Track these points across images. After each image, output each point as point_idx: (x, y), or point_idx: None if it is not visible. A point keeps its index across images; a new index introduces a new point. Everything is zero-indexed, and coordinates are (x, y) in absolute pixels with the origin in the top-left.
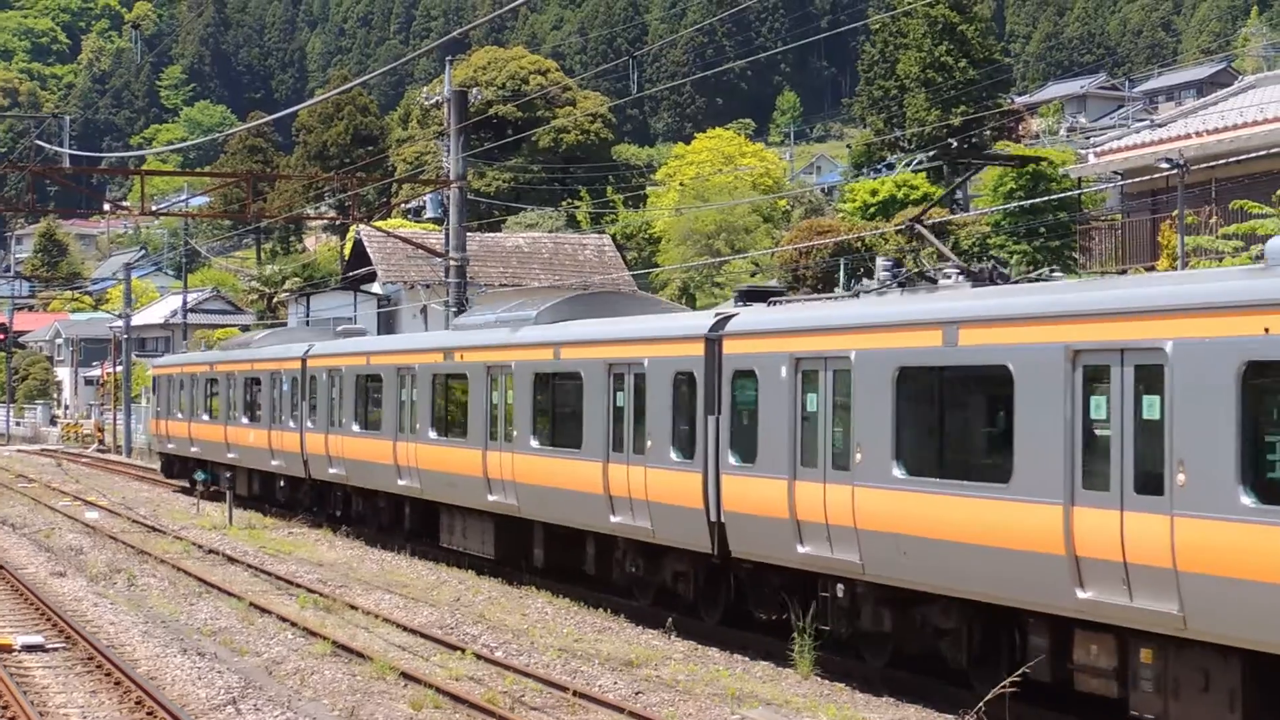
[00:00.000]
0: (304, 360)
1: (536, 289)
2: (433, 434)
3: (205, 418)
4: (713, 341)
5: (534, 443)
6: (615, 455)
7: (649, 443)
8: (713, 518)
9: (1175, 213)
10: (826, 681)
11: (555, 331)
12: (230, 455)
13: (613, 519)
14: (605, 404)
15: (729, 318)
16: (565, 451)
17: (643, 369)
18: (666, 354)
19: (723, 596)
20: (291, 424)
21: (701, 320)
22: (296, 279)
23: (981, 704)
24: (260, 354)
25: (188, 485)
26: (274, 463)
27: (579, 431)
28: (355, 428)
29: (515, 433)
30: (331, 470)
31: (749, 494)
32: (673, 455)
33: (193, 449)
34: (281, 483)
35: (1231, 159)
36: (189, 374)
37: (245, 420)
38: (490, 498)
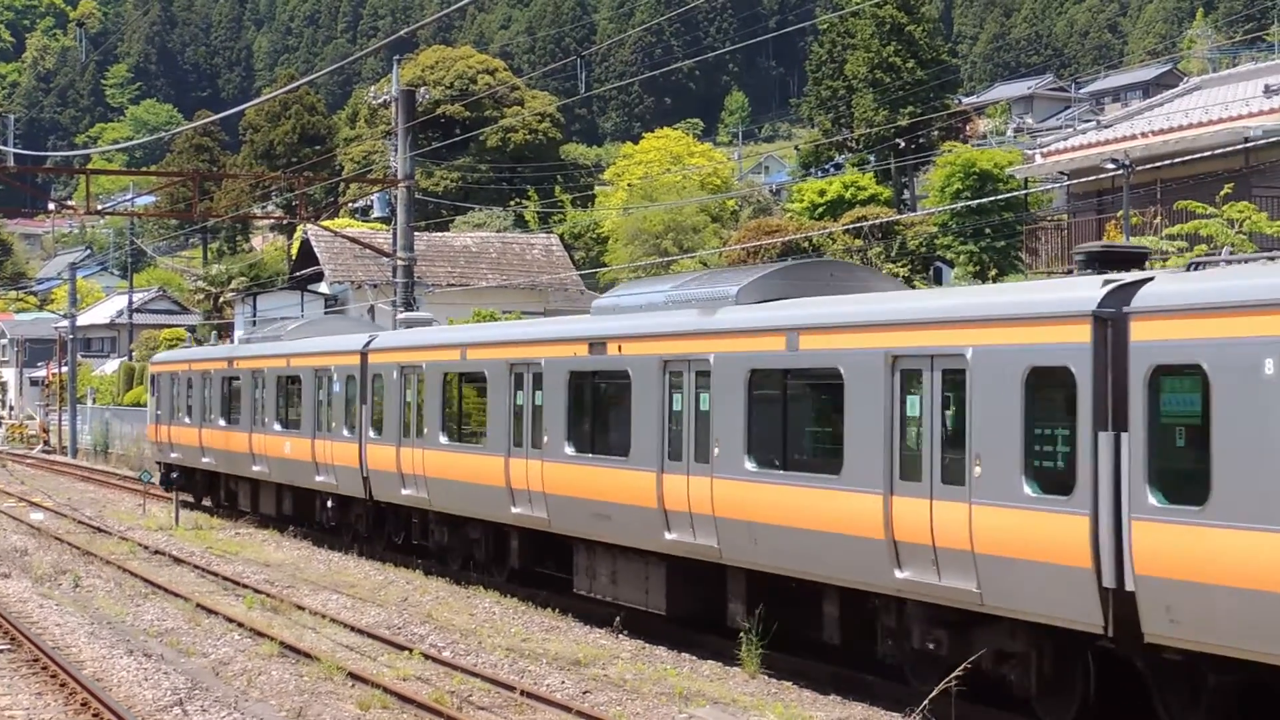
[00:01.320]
0: (364, 354)
1: (484, 289)
2: (569, 449)
3: (222, 423)
4: (1109, 322)
5: (749, 465)
6: (904, 485)
7: (977, 470)
8: (1110, 583)
9: (1120, 213)
10: (773, 680)
11: (786, 313)
12: (256, 469)
13: (899, 574)
14: (884, 412)
15: (1130, 285)
16: (815, 478)
17: (962, 362)
18: (1012, 341)
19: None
20: (346, 433)
21: (1078, 293)
22: (243, 279)
23: (926, 701)
24: (299, 347)
25: (191, 501)
26: (319, 479)
27: (838, 449)
28: (443, 439)
29: (717, 451)
30: (406, 491)
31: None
32: (1026, 489)
33: (205, 460)
34: (329, 503)
35: (1176, 160)
36: (201, 372)
37: (278, 427)
38: (669, 536)
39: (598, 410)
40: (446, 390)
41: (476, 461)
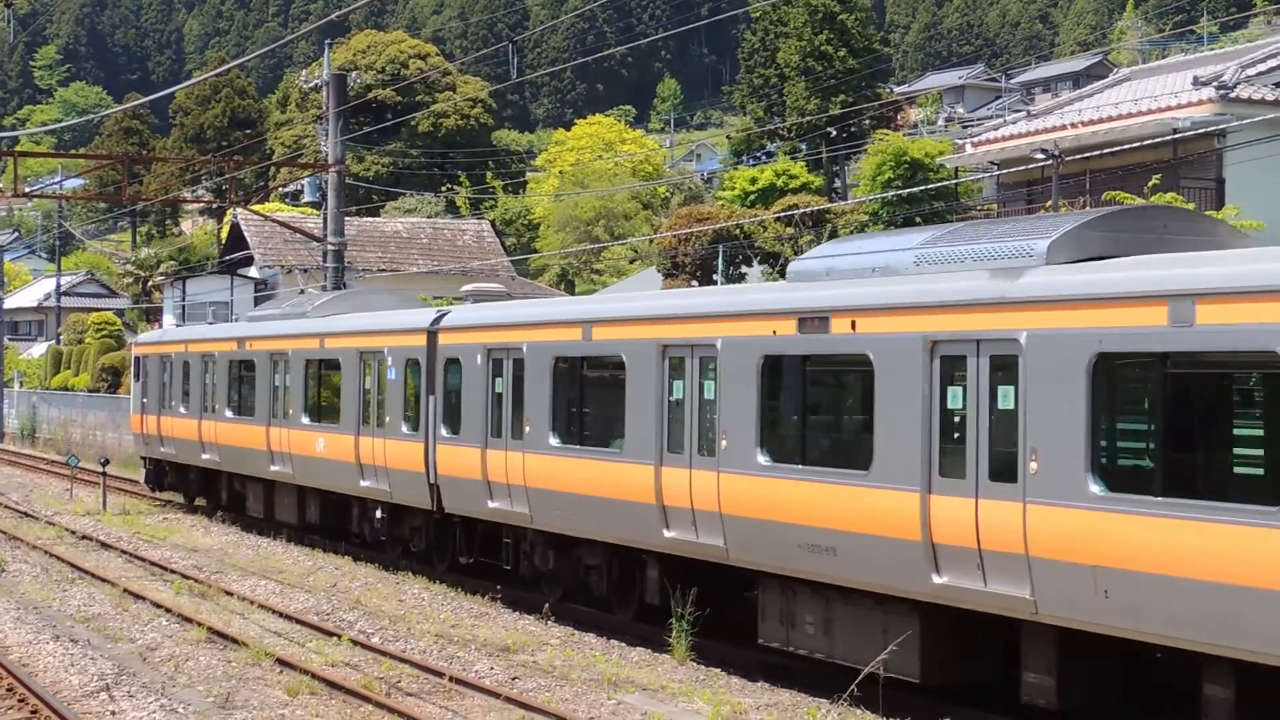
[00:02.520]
0: (432, 334)
1: (415, 275)
2: (762, 458)
3: (230, 414)
4: None
5: (1095, 488)
6: None
7: None
8: None
9: (1050, 203)
10: (703, 667)
11: (1169, 274)
12: (275, 468)
13: None
14: None
15: None
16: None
17: None
18: None
19: None
20: (406, 430)
21: None
22: (172, 263)
23: (853, 685)
24: (336, 325)
25: (183, 503)
26: (365, 484)
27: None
28: (553, 441)
29: (1034, 468)
30: (494, 504)
31: None
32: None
33: (205, 456)
34: (378, 513)
35: (1106, 150)
36: (203, 354)
37: (306, 420)
38: (939, 579)
39: (812, 406)
40: (560, 379)
41: (607, 470)
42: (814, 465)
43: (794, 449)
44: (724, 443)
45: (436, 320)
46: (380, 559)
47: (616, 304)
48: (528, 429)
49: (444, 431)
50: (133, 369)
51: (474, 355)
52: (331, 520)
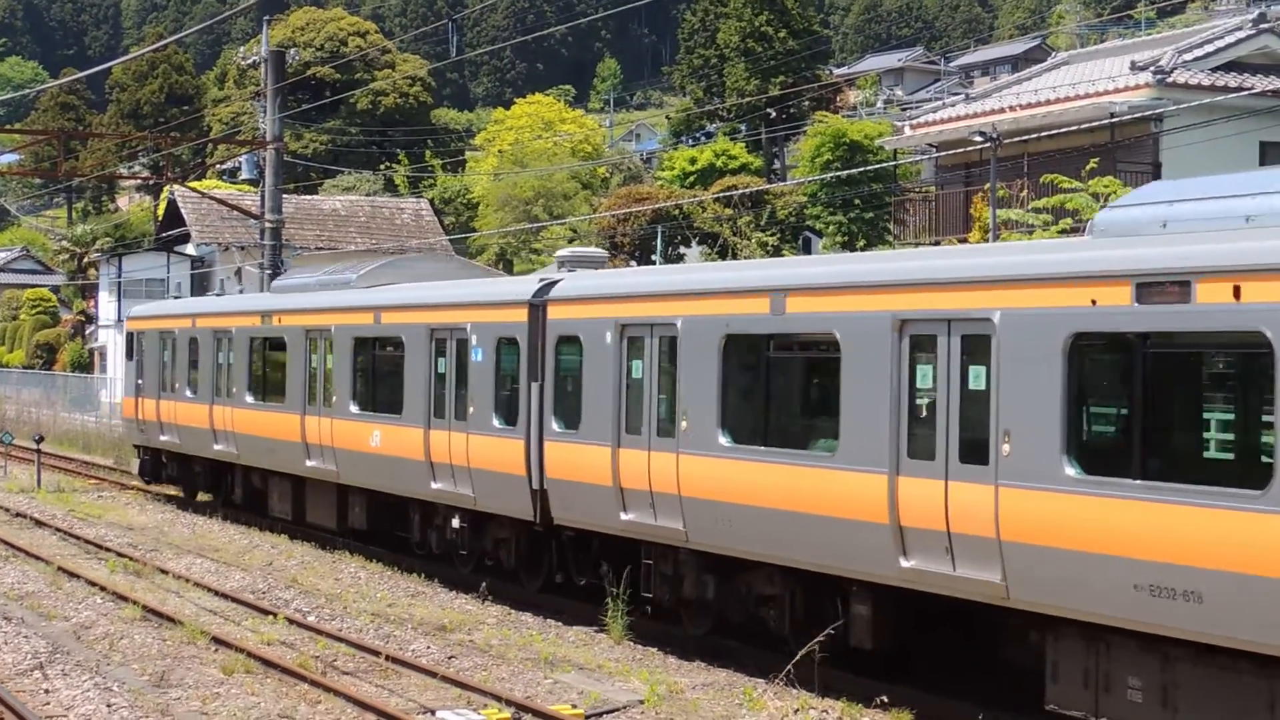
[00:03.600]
0: (537, 306)
1: (353, 253)
2: (1070, 469)
3: (251, 400)
4: None
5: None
6: None
7: None
8: None
9: (988, 186)
10: (639, 646)
11: None
12: (312, 463)
13: None
14: None
15: None
16: None
17: None
18: None
19: None
20: (499, 424)
21: None
22: (108, 239)
23: (789, 666)
24: (395, 297)
25: (182, 497)
26: (437, 485)
27: None
28: (722, 440)
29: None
30: (631, 516)
31: None
32: None
33: (218, 447)
34: (455, 522)
35: (1043, 134)
36: (216, 329)
37: (355, 409)
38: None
39: (1149, 405)
40: (734, 362)
41: (811, 479)
42: (1161, 478)
43: (1132, 454)
44: (1009, 447)
45: (543, 290)
46: (447, 575)
47: (824, 265)
48: (684, 424)
49: (554, 426)
50: (125, 346)
51: (601, 332)
52: (382, 526)
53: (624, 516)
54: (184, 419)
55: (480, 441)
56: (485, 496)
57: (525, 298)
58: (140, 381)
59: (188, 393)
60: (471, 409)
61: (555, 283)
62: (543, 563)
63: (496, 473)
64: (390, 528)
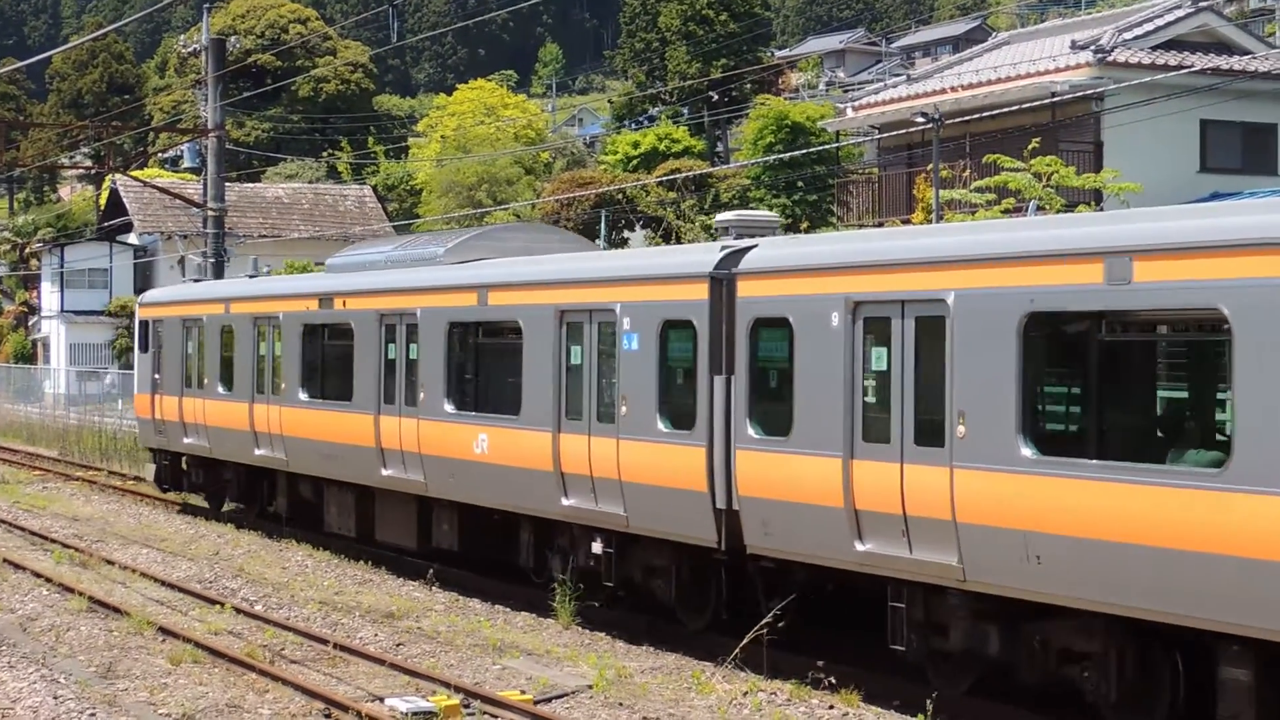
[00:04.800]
0: (721, 281)
1: (296, 240)
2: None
3: (304, 398)
4: None
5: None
6: None
7: None
8: None
9: (930, 166)
10: (587, 631)
11: None
12: (390, 473)
13: None
14: None
15: None
16: None
17: None
18: None
19: None
20: (662, 425)
21: None
22: (50, 229)
23: (738, 650)
24: (508, 273)
25: (212, 507)
26: (569, 502)
27: None
28: (1023, 451)
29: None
30: (870, 546)
31: None
32: None
33: (261, 452)
34: (595, 546)
35: (985, 114)
36: (253, 316)
37: (452, 409)
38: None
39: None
40: (1042, 350)
41: (1185, 506)
42: None
43: None
44: None
45: (729, 259)
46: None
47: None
48: (960, 430)
49: (751, 431)
50: (138, 336)
51: (822, 312)
52: (479, 547)
53: (861, 547)
54: (215, 419)
55: (636, 449)
56: (642, 516)
57: (704, 270)
58: (157, 377)
59: (220, 389)
60: (623, 409)
61: (745, 250)
62: (708, 596)
63: (660, 488)
64: (487, 549)
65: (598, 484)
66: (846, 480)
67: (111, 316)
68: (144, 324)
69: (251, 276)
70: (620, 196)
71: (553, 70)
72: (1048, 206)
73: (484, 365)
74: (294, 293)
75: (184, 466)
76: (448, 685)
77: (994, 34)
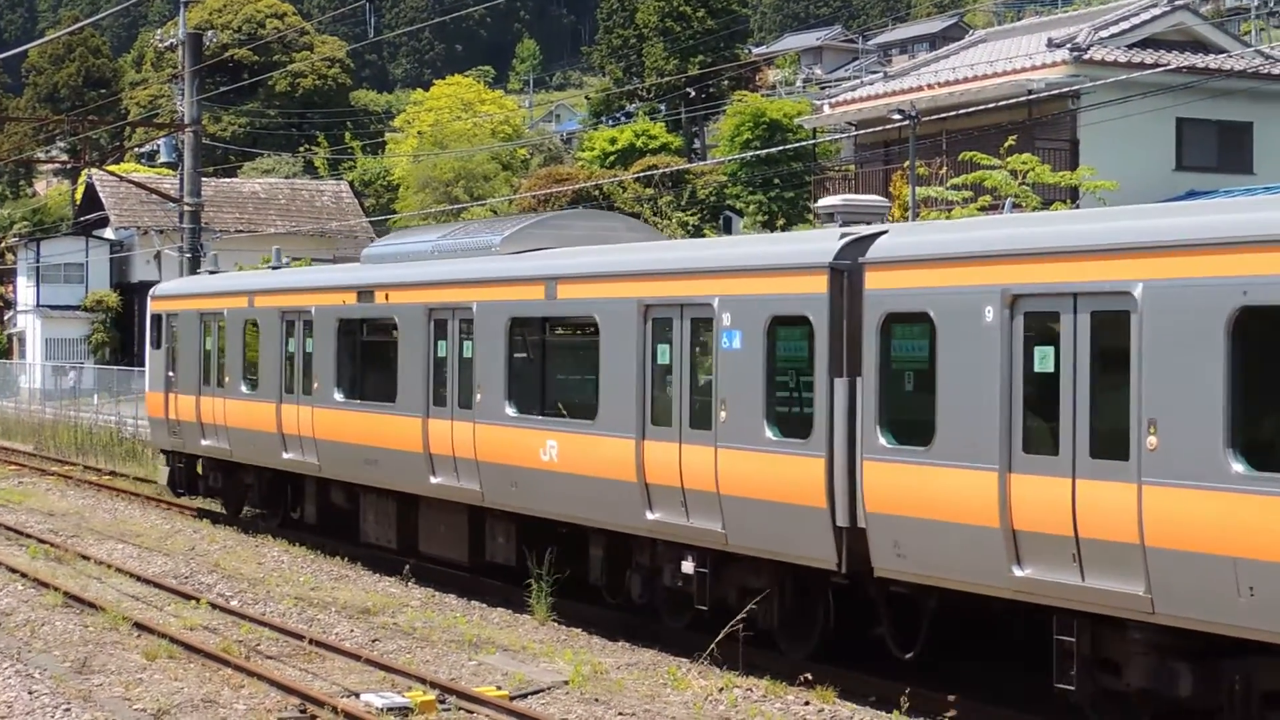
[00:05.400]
0: (843, 273)
1: (273, 235)
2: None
3: (340, 399)
4: None
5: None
6: None
7: None
8: None
9: (907, 164)
10: (563, 627)
11: None
12: (439, 480)
13: None
14: None
15: None
16: None
17: None
18: None
19: None
20: (769, 433)
21: None
22: (26, 224)
23: (713, 645)
24: (584, 263)
25: (230, 512)
26: (654, 516)
27: None
28: (1234, 467)
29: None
30: (1030, 571)
31: None
32: None
33: (290, 456)
34: (686, 565)
35: (961, 111)
36: (281, 310)
37: (514, 413)
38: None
39: None
40: (1252, 349)
41: None
42: None
43: None
44: None
45: (851, 248)
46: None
47: None
48: (1151, 441)
49: (882, 440)
50: (150, 331)
51: (974, 308)
52: (540, 563)
53: (1019, 572)
54: (238, 420)
55: (738, 459)
56: (743, 533)
57: (823, 260)
58: (172, 374)
59: (243, 388)
60: (722, 415)
61: (869, 238)
62: (814, 620)
63: (766, 502)
64: (549, 565)
65: (690, 497)
66: (1003, 496)
67: (87, 311)
68: (156, 318)
69: (275, 267)
70: (597, 193)
71: (530, 66)
72: (1023, 204)
73: (552, 364)
74: (328, 285)
75: (199, 470)
76: (423, 681)
77: (971, 32)
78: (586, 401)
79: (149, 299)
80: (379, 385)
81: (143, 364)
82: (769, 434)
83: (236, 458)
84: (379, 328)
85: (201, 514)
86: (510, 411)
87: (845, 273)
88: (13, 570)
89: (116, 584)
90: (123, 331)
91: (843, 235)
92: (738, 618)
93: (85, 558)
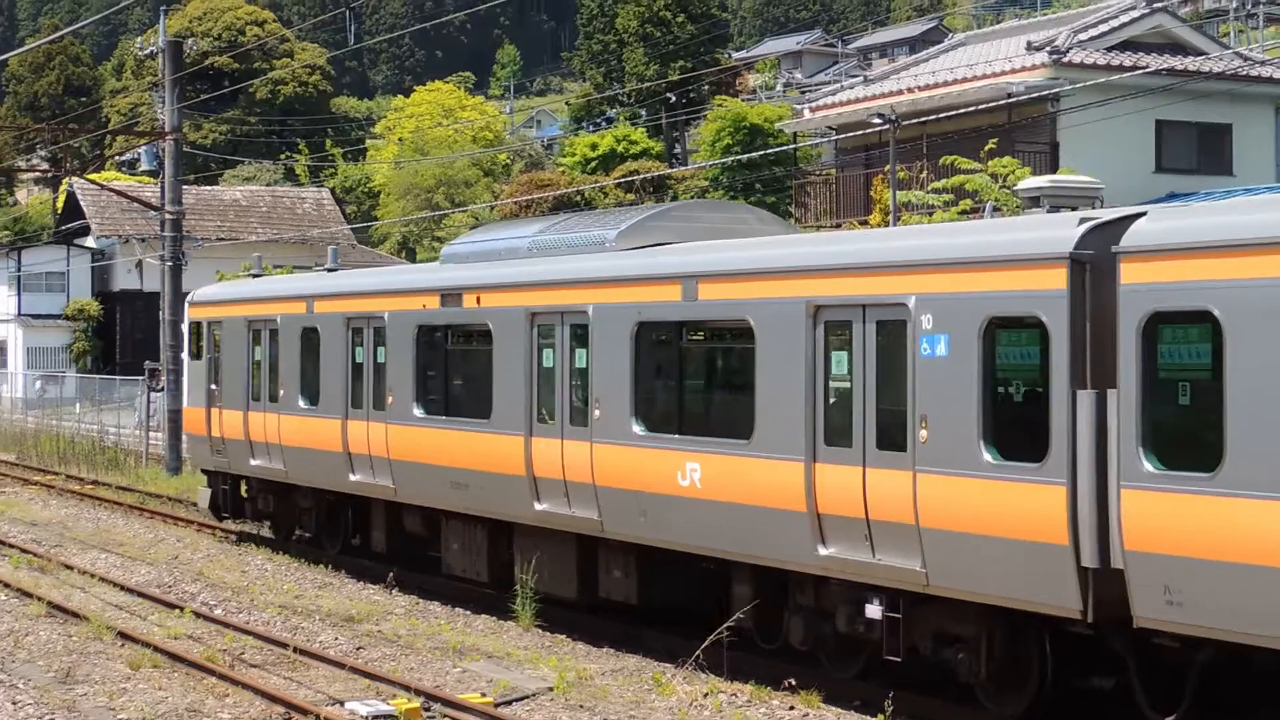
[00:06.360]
0: (1087, 266)
1: (254, 243)
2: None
3: (422, 415)
4: None
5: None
6: None
7: None
8: None
9: (888, 168)
10: (548, 634)
11: None
12: (545, 506)
13: None
14: None
15: None
16: None
17: None
18: None
19: None
20: (989, 457)
21: None
22: (7, 233)
23: (699, 651)
24: (730, 259)
25: (279, 537)
26: (827, 551)
27: None
28: None
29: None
30: None
31: None
32: None
33: (358, 477)
34: (875, 609)
35: (942, 115)
36: (346, 316)
37: (641, 431)
38: (539, 506)
39: None
40: None
41: None
42: None
43: None
44: None
45: (1095, 237)
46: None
47: None
48: None
49: (1147, 464)
50: (188, 341)
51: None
52: (668, 600)
53: None
54: (295, 438)
55: (945, 486)
56: (949, 573)
57: (1061, 250)
58: (215, 388)
59: (300, 403)
60: (922, 433)
61: (1119, 222)
62: (1027, 672)
63: (982, 537)
64: (680, 603)
65: (877, 529)
66: None
67: (69, 320)
68: (196, 326)
69: (331, 270)
70: (578, 198)
71: (510, 72)
72: (1005, 208)
73: (692, 375)
74: (405, 288)
75: (244, 492)
76: (408, 688)
77: (950, 35)
78: (737, 418)
79: (186, 305)
80: (469, 400)
81: (125, 372)
82: (986, 457)
83: (292, 479)
84: (469, 335)
85: (243, 537)
86: (637, 430)
87: (1087, 264)
88: None
89: (100, 593)
90: (104, 340)
91: (1081, 220)
92: (722, 626)
93: (68, 567)
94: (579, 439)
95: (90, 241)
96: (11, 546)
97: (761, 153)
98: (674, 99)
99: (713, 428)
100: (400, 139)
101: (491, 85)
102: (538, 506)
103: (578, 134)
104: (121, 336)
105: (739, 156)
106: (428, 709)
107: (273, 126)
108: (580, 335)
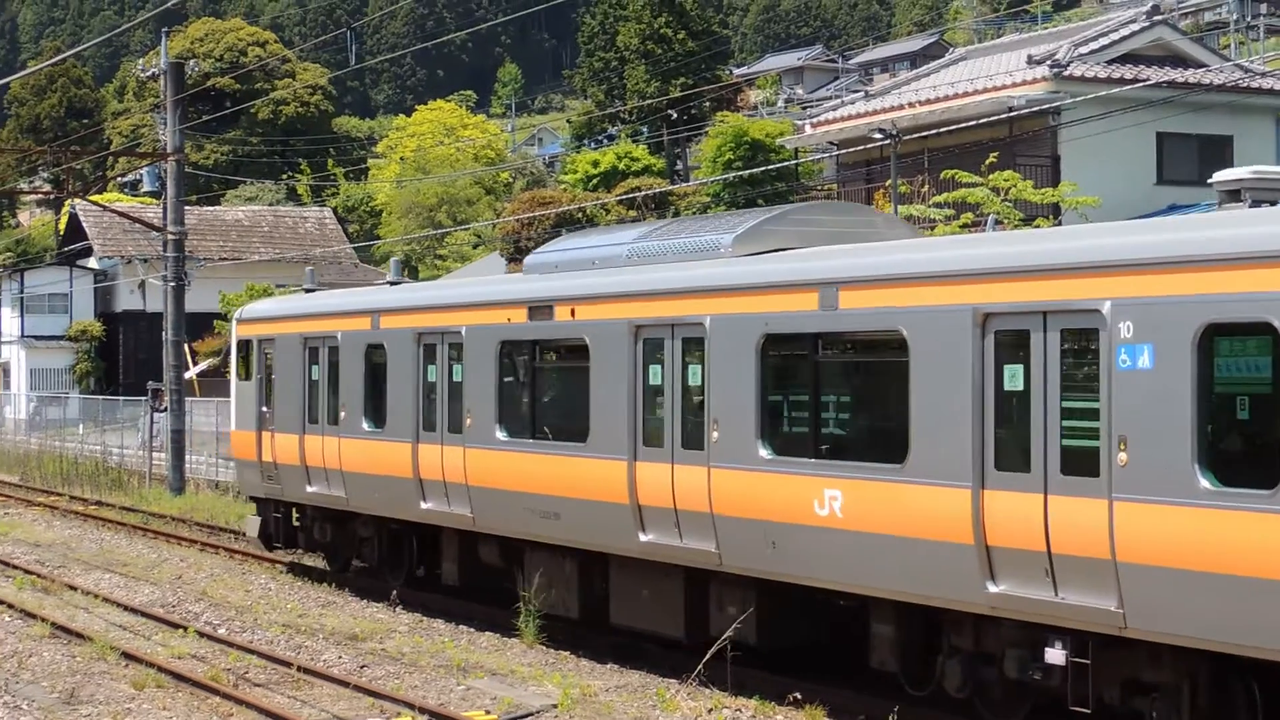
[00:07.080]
0: None
1: (257, 263)
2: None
3: (505, 438)
4: None
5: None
6: None
7: None
8: None
9: (889, 182)
10: (552, 650)
11: None
12: (652, 537)
13: None
14: None
15: None
16: None
17: None
18: None
19: None
20: (1207, 484)
21: None
22: (10, 255)
23: (700, 666)
24: (877, 263)
25: (335, 569)
26: (998, 589)
27: None
28: None
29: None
30: None
31: None
32: None
33: (429, 505)
34: (1057, 654)
35: (943, 129)
36: (417, 331)
37: (768, 454)
38: (645, 537)
39: None
40: None
41: None
42: None
43: None
44: None
45: None
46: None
47: None
48: None
49: None
50: (235, 360)
51: None
52: (791, 640)
53: None
54: (356, 464)
55: (1151, 516)
56: (1153, 615)
57: None
58: (266, 410)
59: (364, 425)
60: (1121, 456)
61: None
62: None
63: (1202, 574)
64: (793, 641)
65: (1060, 563)
66: None
67: (72, 341)
68: (245, 344)
69: (394, 283)
70: (581, 216)
71: (512, 90)
72: (1006, 222)
73: (830, 393)
74: (485, 300)
75: (295, 521)
76: (412, 706)
77: (951, 50)
78: (887, 440)
79: (234, 322)
80: (562, 421)
81: (128, 393)
82: (1203, 483)
83: (353, 506)
84: (561, 350)
85: (294, 568)
86: (763, 453)
87: None
88: (0, 601)
89: (104, 614)
90: (107, 360)
91: None
92: (723, 637)
93: (72, 588)
94: (693, 464)
95: (93, 262)
96: (15, 568)
97: (763, 168)
98: (675, 116)
99: (856, 451)
100: (402, 158)
101: (493, 103)
102: (642, 538)
103: (579, 151)
104: (124, 357)
105: (740, 172)
106: None
107: (275, 147)
108: (694, 349)
